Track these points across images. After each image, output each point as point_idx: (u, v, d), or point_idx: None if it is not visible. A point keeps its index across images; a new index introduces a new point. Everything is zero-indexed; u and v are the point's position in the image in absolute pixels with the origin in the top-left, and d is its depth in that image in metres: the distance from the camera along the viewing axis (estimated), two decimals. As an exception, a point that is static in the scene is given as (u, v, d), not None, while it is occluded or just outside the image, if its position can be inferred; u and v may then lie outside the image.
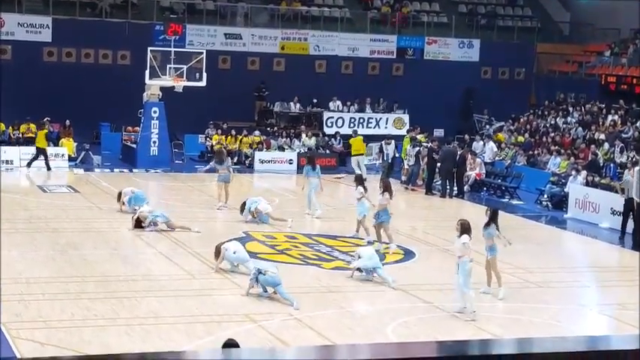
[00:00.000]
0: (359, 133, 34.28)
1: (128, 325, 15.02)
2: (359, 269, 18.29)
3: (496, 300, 17.42)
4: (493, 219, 17.61)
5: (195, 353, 3.39)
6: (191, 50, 36.22)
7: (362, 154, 33.23)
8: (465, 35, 43.70)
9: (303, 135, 36.59)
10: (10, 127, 34.37)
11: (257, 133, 36.42)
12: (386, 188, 21.01)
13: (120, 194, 24.55)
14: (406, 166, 31.95)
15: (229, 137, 35.52)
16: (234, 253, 18.30)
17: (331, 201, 26.86)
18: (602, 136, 33.47)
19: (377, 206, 20.99)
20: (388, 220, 20.81)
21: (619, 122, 34.88)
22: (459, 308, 16.22)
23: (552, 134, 35.60)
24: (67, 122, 35.03)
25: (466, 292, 16.11)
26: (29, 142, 33.92)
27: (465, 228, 16.43)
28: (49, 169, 31.87)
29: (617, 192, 25.58)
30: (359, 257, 18.34)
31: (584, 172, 28.28)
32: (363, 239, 21.63)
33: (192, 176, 32.31)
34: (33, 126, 34.65)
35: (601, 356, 4.02)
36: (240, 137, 35.53)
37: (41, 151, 32.05)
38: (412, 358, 3.69)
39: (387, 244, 20.85)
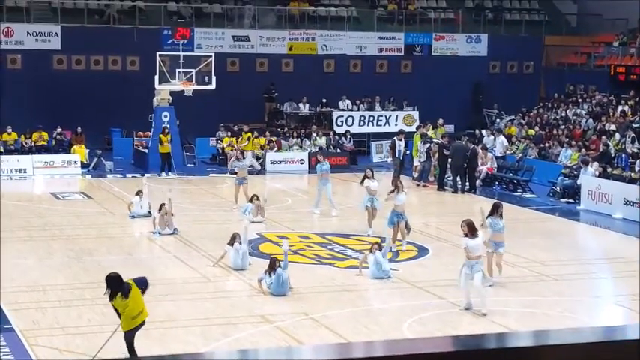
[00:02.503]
0: (368, 130, 34.26)
1: (145, 329, 15.02)
2: (363, 267, 18.51)
3: (511, 294, 17.45)
4: (499, 212, 17.89)
5: (212, 354, 3.44)
6: (200, 54, 36.35)
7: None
8: (473, 30, 43.66)
9: (314, 135, 36.63)
10: (23, 136, 34.52)
11: (267, 134, 36.48)
12: (397, 188, 21.24)
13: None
14: (417, 163, 31.95)
15: (240, 139, 35.55)
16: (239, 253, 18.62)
17: (345, 200, 26.86)
18: (613, 127, 33.39)
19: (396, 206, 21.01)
20: (402, 219, 20.96)
21: (629, 112, 34.79)
22: (469, 304, 16.24)
23: (563, 126, 35.54)
24: (79, 129, 35.18)
25: (482, 288, 16.18)
26: (41, 150, 34.09)
27: (473, 228, 16.43)
28: (171, 170, 32.48)
29: None
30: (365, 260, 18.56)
31: (595, 164, 28.22)
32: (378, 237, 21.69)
33: (204, 179, 32.38)
34: (45, 134, 34.82)
35: (618, 346, 4.04)
36: (251, 139, 35.57)
37: (166, 156, 32.58)
38: (429, 353, 3.71)
39: (400, 241, 20.90)
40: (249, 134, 35.10)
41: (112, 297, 12.86)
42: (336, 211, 25.07)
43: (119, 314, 12.91)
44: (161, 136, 32.74)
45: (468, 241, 16.21)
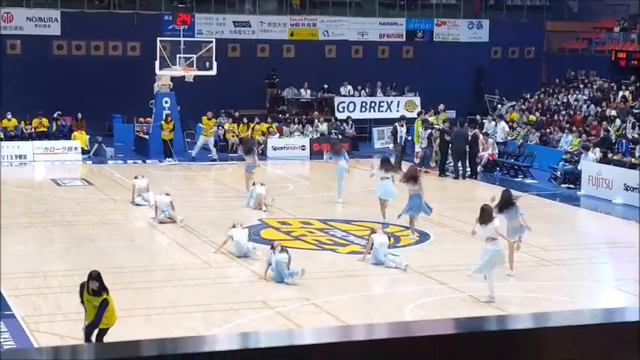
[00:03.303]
0: (370, 116, 34.11)
1: (146, 315, 15.11)
2: (369, 253, 18.44)
3: (512, 279, 17.45)
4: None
5: (214, 337, 3.44)
6: (200, 39, 36.28)
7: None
8: (474, 16, 43.55)
9: (315, 120, 36.60)
10: (22, 122, 34.47)
11: (269, 120, 36.45)
12: (410, 177, 21.08)
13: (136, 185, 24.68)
14: (418, 149, 31.94)
15: (241, 125, 35.54)
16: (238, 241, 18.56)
17: (346, 186, 26.85)
18: (614, 113, 33.35)
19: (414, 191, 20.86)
20: (418, 210, 20.77)
21: (630, 98, 34.76)
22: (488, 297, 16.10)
23: (564, 112, 35.51)
24: (79, 115, 35.11)
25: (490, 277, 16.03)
26: (41, 136, 34.06)
27: (483, 214, 16.14)
28: (171, 157, 32.44)
29: None
30: (372, 245, 18.40)
31: (596, 149, 28.21)
32: (379, 223, 21.70)
33: (205, 165, 32.37)
34: (45, 120, 34.77)
35: (617, 328, 4.03)
36: (253, 125, 35.54)
37: (167, 143, 32.62)
38: (429, 335, 3.70)
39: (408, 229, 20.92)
40: (214, 120, 34.39)
41: (107, 290, 12.69)
42: (341, 200, 24.98)
43: (105, 309, 12.65)
44: (163, 122, 32.69)
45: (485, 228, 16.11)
